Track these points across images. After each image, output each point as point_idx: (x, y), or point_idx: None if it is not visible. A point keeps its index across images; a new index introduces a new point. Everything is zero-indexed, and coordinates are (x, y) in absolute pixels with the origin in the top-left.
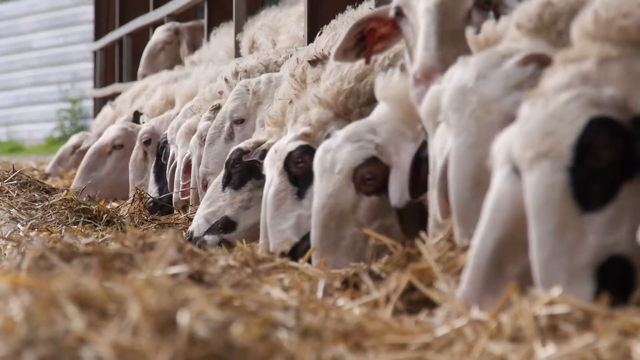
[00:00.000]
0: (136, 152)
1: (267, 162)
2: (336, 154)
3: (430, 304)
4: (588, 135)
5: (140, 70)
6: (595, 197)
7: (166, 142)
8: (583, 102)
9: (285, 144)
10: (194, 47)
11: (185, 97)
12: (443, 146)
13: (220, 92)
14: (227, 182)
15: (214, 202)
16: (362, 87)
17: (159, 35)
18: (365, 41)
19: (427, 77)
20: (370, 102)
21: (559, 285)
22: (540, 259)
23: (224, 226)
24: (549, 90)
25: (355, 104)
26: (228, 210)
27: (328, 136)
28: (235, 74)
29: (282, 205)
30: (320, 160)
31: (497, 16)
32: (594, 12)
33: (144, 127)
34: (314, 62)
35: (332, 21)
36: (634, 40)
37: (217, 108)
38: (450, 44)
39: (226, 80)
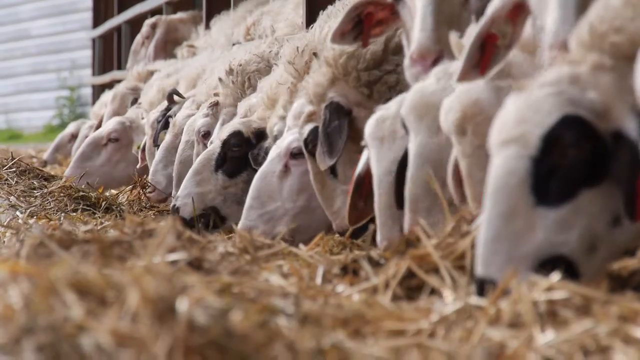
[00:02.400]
0: (149, 141)
1: (272, 150)
2: (396, 122)
3: (429, 290)
4: (558, 129)
5: (127, 65)
6: (553, 193)
7: (159, 122)
8: (562, 98)
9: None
10: (170, 42)
11: (191, 80)
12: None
13: (216, 94)
14: (221, 163)
15: (204, 181)
16: (363, 53)
17: (142, 30)
18: (363, 25)
19: (423, 57)
20: (369, 68)
21: (497, 267)
22: (483, 238)
23: (213, 221)
24: (537, 84)
25: (354, 67)
26: (218, 200)
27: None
28: (230, 71)
29: (325, 187)
30: (375, 129)
31: None
32: (589, 24)
33: (153, 114)
34: (317, 54)
35: (329, 7)
36: (626, 55)
37: (216, 104)
38: (447, 26)
39: (220, 79)
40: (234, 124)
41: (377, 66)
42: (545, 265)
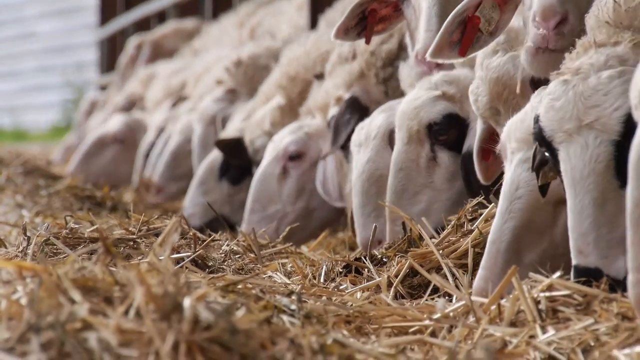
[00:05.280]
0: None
1: (269, 150)
2: (370, 126)
3: (432, 289)
4: None
5: (116, 85)
6: None
7: None
8: (628, 79)
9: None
10: (158, 57)
11: (197, 80)
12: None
13: (220, 82)
14: (224, 171)
15: (210, 190)
16: (380, 50)
17: (127, 50)
18: (367, 21)
19: None
20: (385, 66)
21: (598, 255)
22: (579, 230)
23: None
24: (584, 69)
25: (373, 65)
26: (226, 209)
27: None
28: (238, 63)
29: (342, 167)
30: (355, 139)
31: None
32: (612, 1)
33: (157, 116)
34: (320, 77)
35: (329, 12)
36: None
37: (232, 91)
38: None
39: (227, 70)
40: (234, 132)
41: (391, 63)
42: None
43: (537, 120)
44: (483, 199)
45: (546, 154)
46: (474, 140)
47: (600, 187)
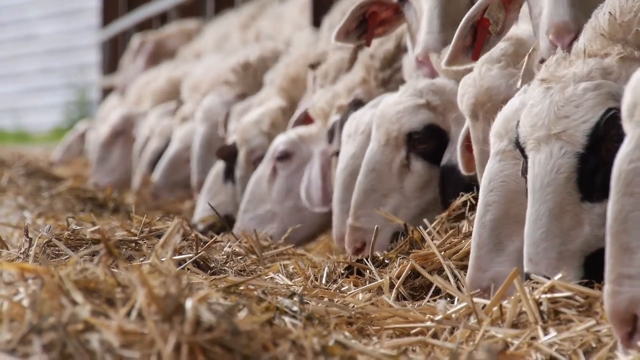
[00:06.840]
0: (156, 143)
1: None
2: (359, 120)
3: (434, 290)
4: (605, 125)
5: (118, 80)
6: (597, 188)
7: None
8: (603, 92)
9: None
10: (160, 55)
11: (197, 80)
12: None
13: (227, 82)
14: (227, 175)
15: (216, 194)
16: (379, 52)
17: (132, 47)
18: (367, 24)
19: (430, 59)
20: (384, 67)
21: (547, 265)
22: (533, 237)
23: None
24: (567, 78)
25: (372, 67)
26: (230, 209)
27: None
28: (246, 66)
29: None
30: (346, 128)
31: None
32: (607, 14)
33: (155, 114)
34: (314, 66)
35: (333, 13)
36: None
37: (243, 95)
38: (453, 28)
39: (235, 72)
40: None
41: (390, 64)
42: (590, 259)
43: (517, 124)
44: (472, 197)
45: None
46: (454, 154)
47: (559, 197)
